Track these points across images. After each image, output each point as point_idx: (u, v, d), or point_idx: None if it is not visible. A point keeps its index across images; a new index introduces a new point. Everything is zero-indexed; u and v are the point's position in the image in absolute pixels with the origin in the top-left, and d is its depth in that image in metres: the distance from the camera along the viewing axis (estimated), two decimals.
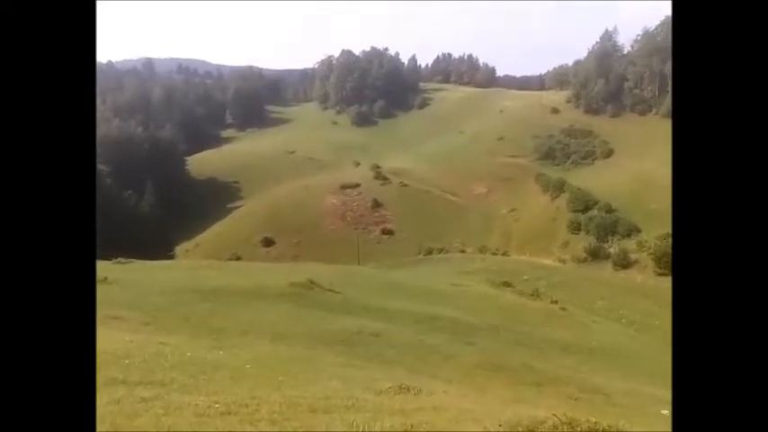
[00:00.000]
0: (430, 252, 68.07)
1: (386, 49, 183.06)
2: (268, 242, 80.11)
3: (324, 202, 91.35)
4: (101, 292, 16.01)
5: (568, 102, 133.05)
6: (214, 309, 14.27)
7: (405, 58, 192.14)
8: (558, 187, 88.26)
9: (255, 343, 11.06)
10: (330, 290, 20.01)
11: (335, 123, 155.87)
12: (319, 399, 6.23)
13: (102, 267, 23.42)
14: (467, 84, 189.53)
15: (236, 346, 10.21)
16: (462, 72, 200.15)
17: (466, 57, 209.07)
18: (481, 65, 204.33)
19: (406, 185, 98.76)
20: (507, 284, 33.01)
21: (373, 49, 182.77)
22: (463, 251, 69.83)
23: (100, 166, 61.28)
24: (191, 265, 31.96)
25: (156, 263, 29.92)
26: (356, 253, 60.34)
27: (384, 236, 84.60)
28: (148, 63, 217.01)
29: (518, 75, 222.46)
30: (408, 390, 7.68)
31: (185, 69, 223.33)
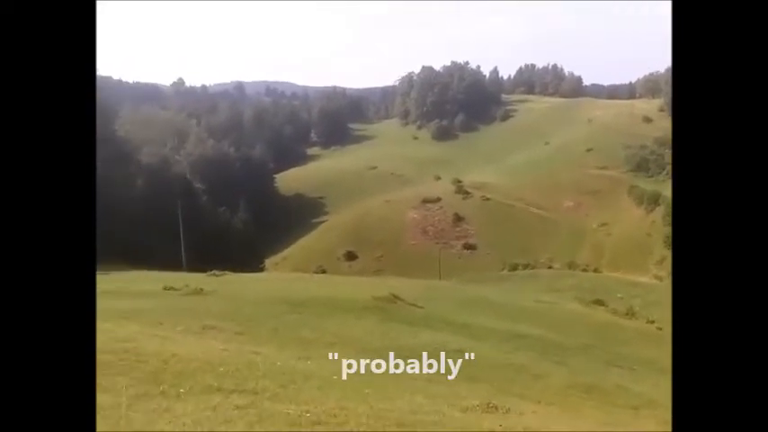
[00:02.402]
0: (515, 268, 66.22)
1: (467, 63, 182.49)
2: (351, 256, 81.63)
3: (405, 216, 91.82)
4: (197, 302, 17.04)
5: (661, 110, 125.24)
6: (302, 320, 14.67)
7: (486, 71, 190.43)
8: (653, 200, 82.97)
9: (342, 355, 11.21)
10: (413, 304, 19.97)
11: (416, 138, 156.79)
12: (406, 413, 6.20)
13: (198, 279, 24.89)
14: (552, 94, 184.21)
15: (324, 358, 10.41)
16: (547, 82, 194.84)
17: (550, 67, 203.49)
18: (567, 74, 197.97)
19: (488, 199, 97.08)
20: (599, 303, 31.36)
21: (454, 63, 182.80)
22: (551, 267, 67.29)
23: (196, 185, 65.43)
24: (279, 277, 33.20)
25: (247, 275, 31.35)
26: (437, 268, 59.93)
27: (466, 251, 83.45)
28: (239, 86, 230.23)
29: (606, 83, 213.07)
30: (496, 408, 7.46)
31: (273, 91, 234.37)
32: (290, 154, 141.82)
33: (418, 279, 39.89)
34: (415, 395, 8.01)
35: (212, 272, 27.79)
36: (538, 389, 10.91)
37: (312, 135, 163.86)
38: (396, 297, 19.85)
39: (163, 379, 6.55)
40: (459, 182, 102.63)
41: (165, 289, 19.62)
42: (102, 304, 15.74)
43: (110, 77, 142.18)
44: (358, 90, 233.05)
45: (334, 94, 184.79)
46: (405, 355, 12.25)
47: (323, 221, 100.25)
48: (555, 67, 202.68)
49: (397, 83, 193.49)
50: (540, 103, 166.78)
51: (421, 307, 19.94)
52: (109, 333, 9.68)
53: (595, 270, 65.53)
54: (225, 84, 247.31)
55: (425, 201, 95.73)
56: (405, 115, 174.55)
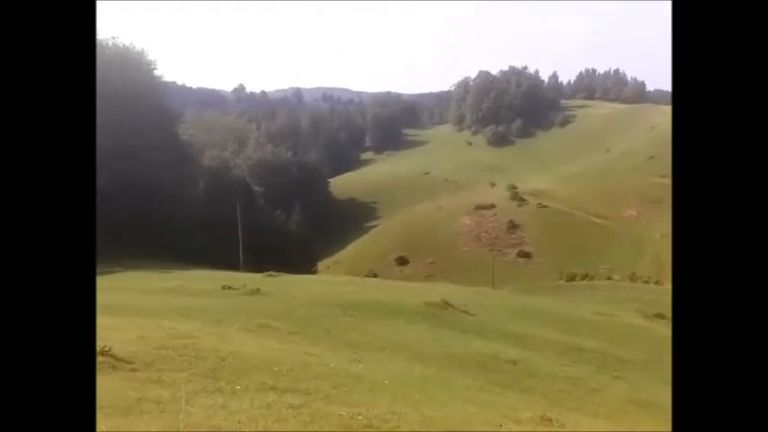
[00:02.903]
0: (572, 278, 64.22)
1: (525, 68, 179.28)
2: (402, 261, 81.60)
3: (458, 222, 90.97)
4: (254, 302, 17.48)
5: None
6: (353, 323, 14.77)
7: (545, 76, 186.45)
8: None
9: (392, 359, 11.23)
10: (464, 312, 19.72)
11: (470, 144, 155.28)
12: (457, 422, 6.11)
13: (255, 279, 25.53)
14: (613, 100, 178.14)
15: (374, 361, 10.44)
16: (608, 88, 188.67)
17: (612, 72, 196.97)
18: (629, 79, 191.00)
19: (545, 207, 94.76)
20: (661, 316, 29.90)
21: (511, 68, 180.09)
22: (610, 278, 64.85)
23: (255, 188, 67.25)
24: (332, 280, 33.59)
25: (301, 276, 31.90)
26: (490, 275, 58.98)
27: (520, 259, 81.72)
28: (297, 93, 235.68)
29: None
30: (551, 422, 7.24)
31: (329, 97, 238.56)
32: (345, 159, 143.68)
33: (470, 286, 39.38)
34: (466, 404, 7.90)
35: (268, 272, 28.43)
36: (594, 403, 10.52)
37: (366, 140, 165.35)
38: (447, 303, 19.65)
39: (220, 375, 6.75)
40: (515, 188, 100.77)
41: (223, 288, 20.23)
42: (164, 301, 16.42)
43: (174, 83, 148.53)
44: (412, 95, 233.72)
45: (388, 100, 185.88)
46: (456, 363, 12.13)
47: (375, 226, 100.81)
48: (617, 71, 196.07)
49: (452, 88, 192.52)
50: (601, 109, 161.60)
51: (473, 315, 19.66)
52: (169, 329, 10.08)
53: (657, 282, 62.52)
54: (284, 90, 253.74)
55: (479, 207, 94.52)
56: (459, 120, 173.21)
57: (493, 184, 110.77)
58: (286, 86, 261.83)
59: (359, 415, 5.44)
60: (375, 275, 62.32)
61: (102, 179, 34.97)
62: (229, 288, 20.18)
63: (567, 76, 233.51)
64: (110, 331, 8.83)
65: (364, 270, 69.39)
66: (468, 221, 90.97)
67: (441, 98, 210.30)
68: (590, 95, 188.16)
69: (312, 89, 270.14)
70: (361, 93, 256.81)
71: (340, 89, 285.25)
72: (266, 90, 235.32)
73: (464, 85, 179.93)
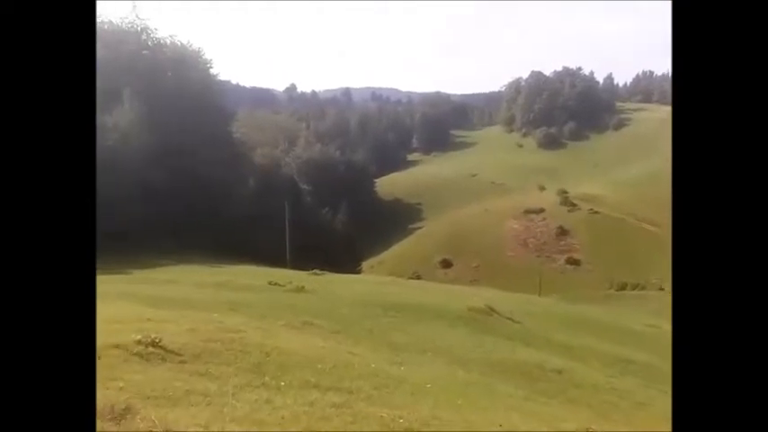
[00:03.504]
0: (623, 287, 62.14)
1: (579, 69, 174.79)
2: (446, 264, 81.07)
3: (505, 226, 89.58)
4: (299, 299, 17.76)
5: None
6: (395, 324, 14.77)
7: (600, 77, 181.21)
8: None
9: (434, 362, 11.16)
10: (509, 318, 19.39)
11: (520, 146, 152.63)
12: (501, 430, 6.01)
13: (301, 276, 25.95)
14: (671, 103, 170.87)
15: (416, 364, 10.41)
16: (666, 91, 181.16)
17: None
18: None
19: (596, 212, 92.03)
20: None
21: (565, 68, 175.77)
22: (662, 288, 62.35)
23: (303, 186, 68.37)
24: (375, 280, 33.75)
25: (345, 276, 32.20)
26: (537, 282, 57.78)
27: (569, 266, 79.65)
28: (347, 92, 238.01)
29: None
30: None
31: (378, 97, 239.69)
32: (392, 159, 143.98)
33: (516, 292, 38.71)
34: (510, 412, 7.77)
35: (314, 270, 28.84)
36: (641, 417, 10.15)
37: (413, 141, 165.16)
38: (491, 309, 19.38)
39: (265, 371, 6.89)
40: (566, 193, 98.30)
41: (269, 284, 20.65)
42: (213, 295, 16.86)
43: (228, 82, 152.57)
44: (462, 96, 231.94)
45: (437, 100, 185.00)
46: (500, 369, 11.93)
47: (419, 227, 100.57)
48: None
49: (503, 88, 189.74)
50: (658, 113, 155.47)
51: (518, 322, 19.31)
52: (217, 323, 10.37)
53: None
54: (333, 90, 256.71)
55: (528, 211, 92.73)
56: (510, 122, 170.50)
57: (542, 188, 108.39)
58: (336, 86, 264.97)
59: (400, 418, 5.43)
60: (419, 277, 62.23)
61: (159, 176, 36.37)
62: (276, 284, 20.59)
63: (624, 78, 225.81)
64: (161, 323, 9.16)
65: (408, 271, 69.39)
66: (515, 226, 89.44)
67: (491, 99, 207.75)
68: (647, 98, 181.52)
69: (361, 89, 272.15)
70: (410, 93, 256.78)
71: (389, 89, 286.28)
72: (317, 90, 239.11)
73: (515, 86, 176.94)
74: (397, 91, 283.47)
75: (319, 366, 7.72)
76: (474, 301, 20.47)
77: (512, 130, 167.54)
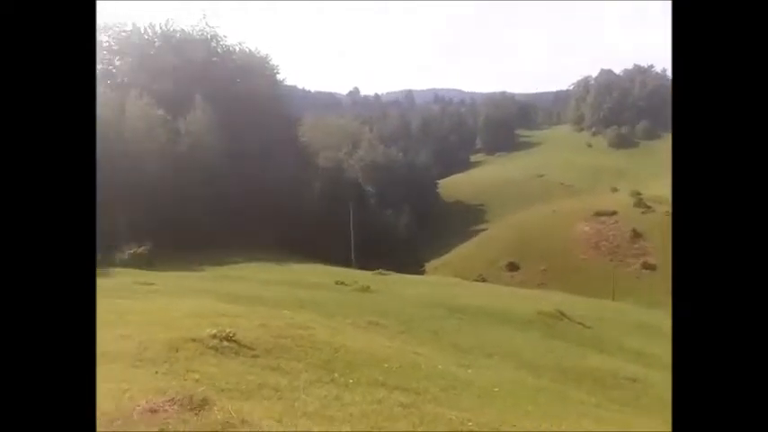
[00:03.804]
0: None
1: (651, 67, 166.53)
2: (513, 267, 79.22)
3: (574, 229, 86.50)
4: (364, 298, 17.93)
5: None
6: (461, 327, 14.59)
7: None
8: None
9: (501, 366, 10.92)
10: (580, 323, 18.70)
11: (590, 146, 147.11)
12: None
13: (366, 276, 26.21)
14: None
15: (483, 367, 10.22)
16: None
17: None
18: None
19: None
20: None
21: (636, 66, 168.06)
22: None
23: (367, 188, 69.03)
24: (440, 281, 33.52)
25: (409, 276, 32.20)
26: (610, 286, 55.38)
27: (644, 270, 75.68)
28: (409, 95, 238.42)
29: None
30: None
31: (441, 99, 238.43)
32: (454, 160, 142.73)
33: (587, 297, 37.28)
34: (582, 419, 7.47)
35: (378, 271, 29.06)
36: None
37: (477, 141, 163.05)
38: (562, 314, 18.76)
39: (334, 368, 6.97)
40: (639, 194, 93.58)
41: (336, 283, 21.00)
42: (283, 292, 17.28)
43: (295, 87, 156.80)
44: (527, 95, 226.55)
45: (502, 100, 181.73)
46: (571, 376, 11.51)
47: (483, 229, 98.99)
48: None
49: (571, 87, 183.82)
50: None
51: (589, 327, 18.59)
52: (288, 319, 10.62)
53: None
54: (396, 92, 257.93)
55: (599, 213, 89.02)
56: (578, 121, 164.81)
57: (614, 189, 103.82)
58: (398, 89, 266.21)
59: (468, 420, 5.33)
60: (484, 280, 61.23)
61: (229, 179, 37.89)
62: (342, 284, 20.90)
63: None
64: (235, 318, 9.49)
65: (472, 274, 68.44)
66: (586, 228, 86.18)
67: (558, 98, 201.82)
68: None
69: (424, 91, 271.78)
70: (474, 93, 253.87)
71: (452, 90, 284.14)
72: (379, 93, 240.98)
73: (584, 84, 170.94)
74: (459, 92, 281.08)
75: (386, 366, 7.73)
76: (543, 305, 19.90)
77: (581, 130, 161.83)
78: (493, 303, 20.08)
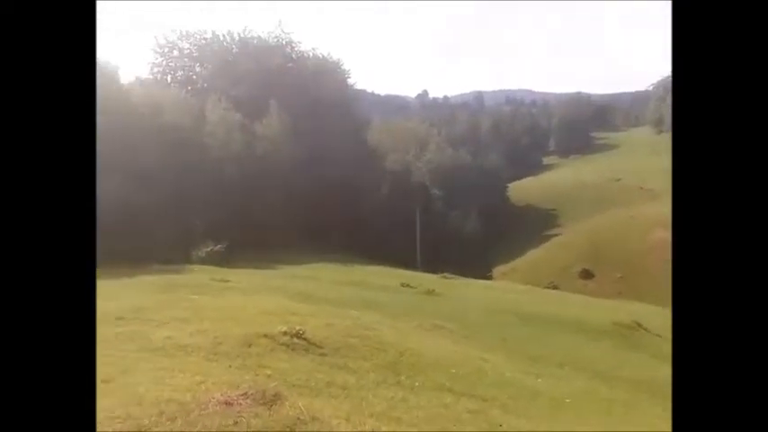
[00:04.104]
0: None
1: None
2: (586, 274, 76.03)
3: (653, 235, 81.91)
4: (429, 301, 17.83)
5: None
6: (531, 334, 14.19)
7: None
8: None
9: (573, 377, 10.52)
10: (659, 335, 17.68)
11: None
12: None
13: (431, 280, 26.06)
14: None
15: (554, 377, 9.89)
16: None
17: None
18: None
19: None
20: None
21: None
22: None
23: (434, 191, 68.77)
24: (508, 287, 32.79)
25: (476, 281, 31.73)
26: None
27: None
28: (479, 96, 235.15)
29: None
30: None
31: (512, 100, 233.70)
32: (526, 163, 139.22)
33: (666, 308, 35.21)
34: None
35: (444, 274, 28.81)
36: None
37: (550, 143, 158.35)
38: (639, 325, 17.82)
39: (400, 370, 6.98)
40: None
41: (401, 285, 21.02)
42: (349, 293, 17.53)
43: (364, 90, 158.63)
44: (604, 96, 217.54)
45: (577, 101, 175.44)
46: (646, 389, 10.90)
47: (555, 235, 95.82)
48: None
49: (650, 87, 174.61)
50: None
51: (668, 339, 17.53)
52: (355, 319, 10.75)
53: None
54: (465, 94, 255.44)
55: None
56: (658, 123, 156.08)
57: None
58: (468, 90, 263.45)
59: (539, 430, 5.17)
60: (555, 287, 59.22)
61: (301, 181, 38.93)
62: (407, 286, 20.89)
63: None
64: (305, 317, 9.72)
65: (543, 281, 66.37)
66: (665, 235, 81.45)
67: (637, 98, 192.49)
68: None
69: (494, 92, 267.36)
70: (546, 94, 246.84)
71: (523, 91, 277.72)
72: (448, 95, 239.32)
73: (664, 85, 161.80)
74: (531, 92, 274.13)
75: (452, 371, 7.65)
76: (619, 316, 19.01)
77: (661, 132, 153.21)
78: (565, 312, 19.39)
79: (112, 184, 26.29)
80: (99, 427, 3.86)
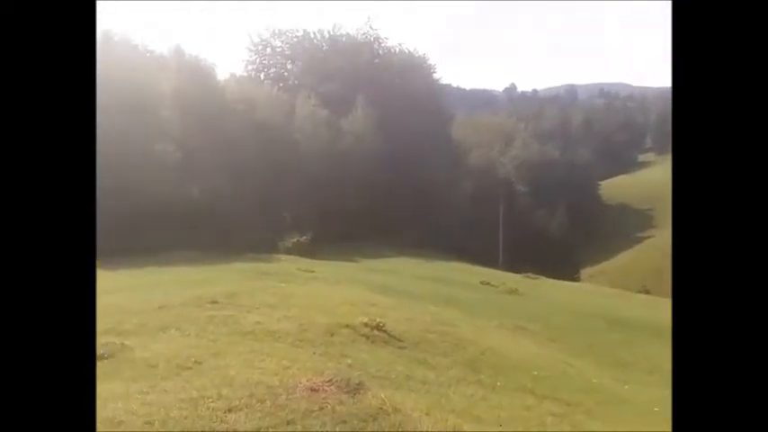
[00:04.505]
0: None
1: None
2: None
3: None
4: (511, 301, 17.45)
5: None
6: (621, 340, 13.51)
7: None
8: None
9: (664, 386, 9.90)
10: None
11: None
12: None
13: (514, 279, 25.47)
14: None
15: (643, 384, 9.37)
16: None
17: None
18: None
19: None
20: None
21: None
22: None
23: (519, 187, 67.01)
24: (596, 291, 31.37)
25: (561, 282, 30.63)
26: None
27: None
28: (571, 89, 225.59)
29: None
30: None
31: (607, 94, 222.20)
32: (619, 160, 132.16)
33: None
34: None
35: (527, 274, 28.07)
36: None
37: (647, 140, 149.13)
38: None
39: (480, 368, 6.90)
40: None
41: (482, 283, 20.73)
42: (429, 288, 17.52)
43: (449, 85, 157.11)
44: None
45: None
46: None
47: (649, 237, 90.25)
48: None
49: None
50: None
51: None
52: (434, 314, 10.76)
53: None
54: (556, 87, 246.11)
55: None
56: None
57: None
58: (559, 83, 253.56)
59: None
60: (648, 292, 55.87)
61: (385, 176, 39.41)
62: (488, 284, 20.57)
63: None
64: (384, 309, 9.86)
65: (635, 285, 62.78)
66: None
67: None
68: None
69: (588, 85, 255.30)
70: (645, 88, 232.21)
71: (619, 84, 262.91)
72: (537, 88, 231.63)
73: None
74: (627, 86, 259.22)
75: (535, 373, 7.46)
76: None
77: None
78: (657, 318, 18.24)
79: (208, 176, 28.05)
80: (194, 403, 4.16)
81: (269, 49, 50.80)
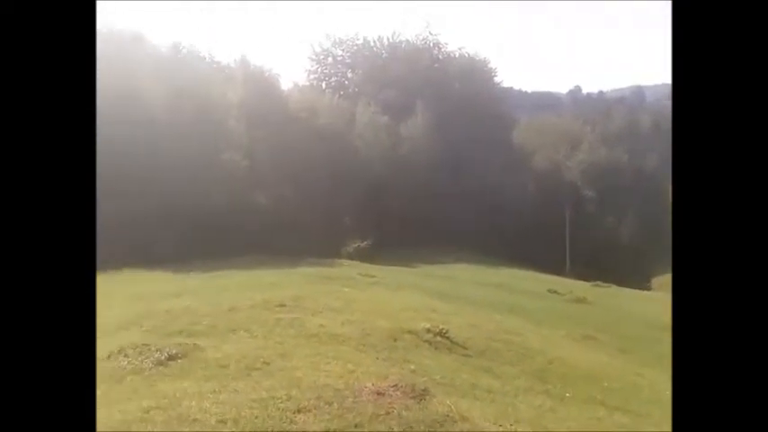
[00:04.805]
0: None
1: None
2: None
3: None
4: (579, 310, 16.85)
5: None
6: None
7: None
8: None
9: None
10: None
11: None
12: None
13: (582, 287, 24.57)
14: None
15: None
16: None
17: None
18: None
19: None
20: None
21: None
22: None
23: (585, 192, 64.75)
24: (668, 300, 29.77)
25: (632, 291, 29.33)
26: None
27: None
28: (638, 91, 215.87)
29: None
30: None
31: None
32: None
33: None
34: None
35: (596, 282, 27.03)
36: None
37: None
38: None
39: (547, 378, 6.71)
40: None
41: (548, 291, 20.16)
42: (492, 295, 17.22)
43: (511, 88, 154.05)
44: None
45: None
46: None
47: None
48: None
49: None
50: None
51: None
52: (498, 323, 10.56)
53: None
54: (623, 89, 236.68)
55: None
56: None
57: None
58: (626, 85, 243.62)
59: None
60: None
61: (443, 182, 39.20)
62: (555, 292, 19.98)
63: None
64: (446, 316, 9.78)
65: None
66: None
67: None
68: None
69: (656, 86, 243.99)
70: None
71: None
72: (603, 90, 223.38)
73: None
74: None
75: (605, 384, 7.18)
76: None
77: None
78: None
79: (274, 184, 28.89)
80: (264, 403, 4.28)
81: (330, 59, 51.82)
